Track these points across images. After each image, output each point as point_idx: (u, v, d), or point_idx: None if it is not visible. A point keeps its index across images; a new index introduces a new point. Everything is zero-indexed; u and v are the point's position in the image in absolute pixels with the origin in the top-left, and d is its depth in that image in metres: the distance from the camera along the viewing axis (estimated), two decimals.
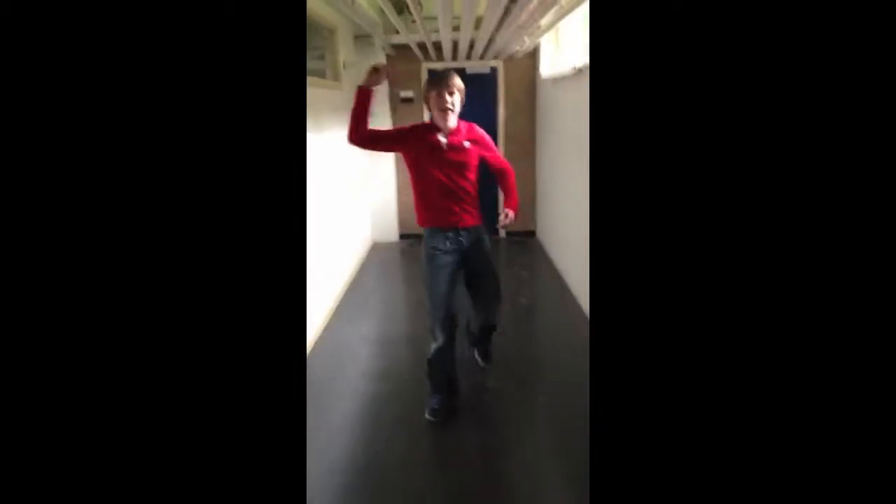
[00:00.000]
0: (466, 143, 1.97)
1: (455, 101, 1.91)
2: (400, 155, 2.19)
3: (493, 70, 4.69)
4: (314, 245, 2.79)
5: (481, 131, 2.05)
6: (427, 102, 1.96)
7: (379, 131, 1.97)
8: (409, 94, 4.71)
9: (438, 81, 1.90)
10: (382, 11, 3.48)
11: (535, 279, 3.82)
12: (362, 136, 1.89)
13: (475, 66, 4.62)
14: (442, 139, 1.94)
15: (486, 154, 2.05)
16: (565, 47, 3.67)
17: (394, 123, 4.73)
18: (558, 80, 3.52)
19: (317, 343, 2.79)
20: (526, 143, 4.78)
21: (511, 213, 2.09)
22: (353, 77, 4.08)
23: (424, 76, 4.68)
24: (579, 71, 2.84)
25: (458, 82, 1.92)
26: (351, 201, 3.95)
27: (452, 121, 1.94)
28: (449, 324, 1.99)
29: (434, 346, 2.03)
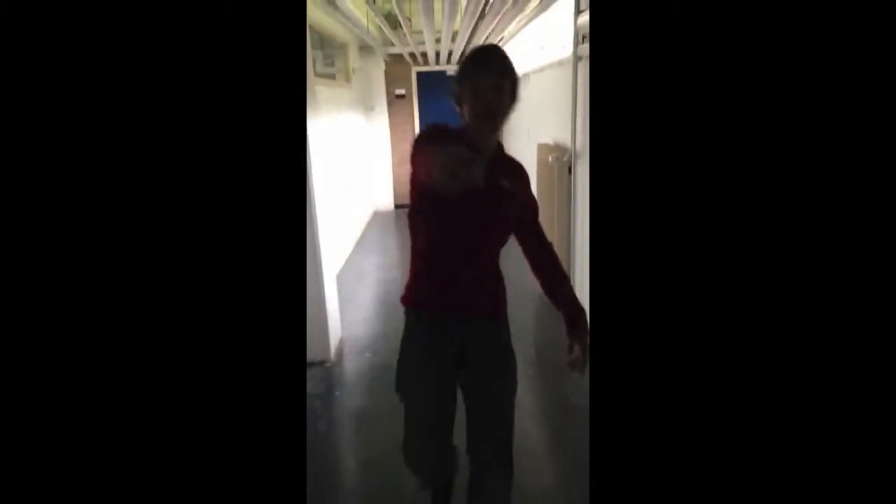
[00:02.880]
0: (506, 184, 1.15)
1: (505, 96, 1.10)
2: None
3: None
4: (330, 212, 3.88)
5: (526, 173, 1.23)
6: (459, 95, 1.12)
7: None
8: (401, 91, 5.87)
9: (480, 61, 1.12)
10: (381, 28, 4.57)
11: None
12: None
13: (454, 70, 5.78)
14: (478, 164, 1.02)
15: (522, 203, 1.20)
16: (519, 55, 4.81)
17: (391, 118, 5.87)
18: None
19: (344, 266, 3.91)
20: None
21: (579, 343, 1.14)
22: (360, 79, 5.21)
23: (414, 78, 5.83)
24: (524, 75, 3.97)
25: (509, 64, 1.11)
26: (357, 175, 5.06)
27: (493, 130, 1.13)
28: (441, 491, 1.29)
29: None
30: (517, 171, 1.21)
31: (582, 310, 1.17)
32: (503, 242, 1.21)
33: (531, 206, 1.23)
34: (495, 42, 4.35)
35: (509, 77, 1.10)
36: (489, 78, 1.08)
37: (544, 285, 1.22)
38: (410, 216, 1.19)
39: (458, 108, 1.14)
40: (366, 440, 1.93)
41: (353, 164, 4.81)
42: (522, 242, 1.23)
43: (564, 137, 2.84)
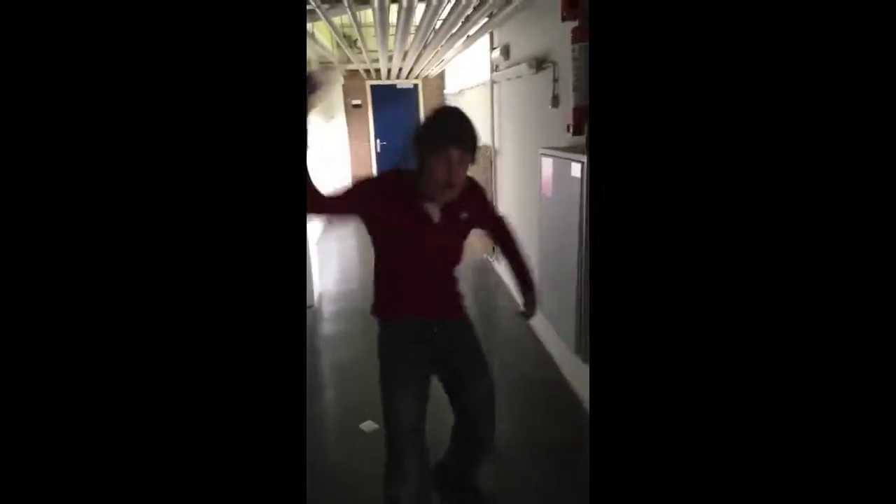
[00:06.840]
0: (465, 215, 1.26)
1: (467, 165, 1.13)
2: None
3: (415, 86, 6.77)
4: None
5: (481, 187, 1.35)
6: (420, 160, 1.13)
7: (337, 195, 1.23)
8: (357, 101, 6.72)
9: (447, 131, 1.10)
10: (339, 45, 5.35)
11: None
12: (319, 203, 1.21)
13: (402, 83, 6.68)
14: (434, 212, 1.23)
15: (482, 218, 1.36)
16: (457, 73, 5.75)
17: (348, 125, 6.68)
18: (453, 95, 5.59)
19: (320, 237, 4.67)
20: None
21: (532, 296, 1.43)
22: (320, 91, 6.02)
23: (369, 91, 6.68)
24: (460, 91, 4.90)
25: (476, 134, 1.13)
26: (325, 170, 5.83)
27: (455, 193, 1.19)
28: (418, 462, 1.29)
29: (400, 490, 1.28)
30: (471, 198, 1.28)
31: (531, 279, 1.43)
32: (461, 258, 1.34)
33: (483, 210, 1.36)
34: (438, 63, 5.23)
35: (474, 147, 1.10)
36: (455, 151, 1.06)
37: (513, 269, 1.45)
38: (373, 241, 1.28)
39: (416, 170, 1.15)
40: (339, 350, 2.81)
41: (321, 161, 5.58)
42: (495, 240, 1.45)
43: (487, 138, 3.78)
